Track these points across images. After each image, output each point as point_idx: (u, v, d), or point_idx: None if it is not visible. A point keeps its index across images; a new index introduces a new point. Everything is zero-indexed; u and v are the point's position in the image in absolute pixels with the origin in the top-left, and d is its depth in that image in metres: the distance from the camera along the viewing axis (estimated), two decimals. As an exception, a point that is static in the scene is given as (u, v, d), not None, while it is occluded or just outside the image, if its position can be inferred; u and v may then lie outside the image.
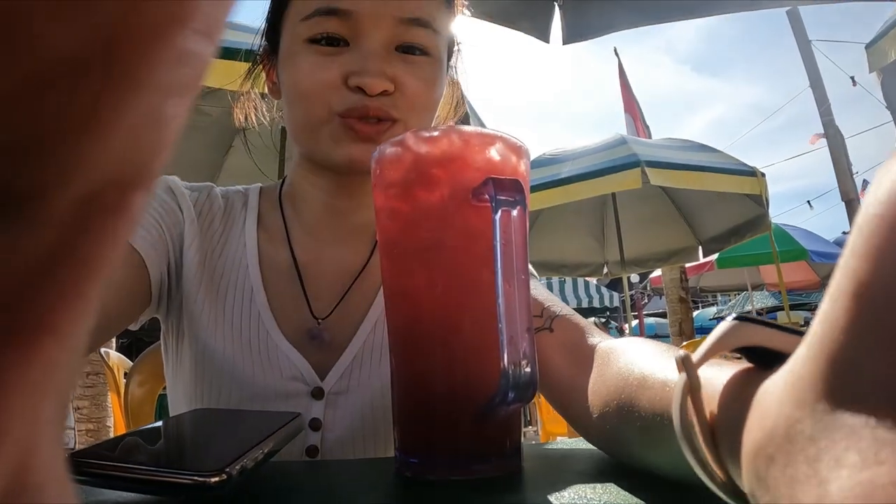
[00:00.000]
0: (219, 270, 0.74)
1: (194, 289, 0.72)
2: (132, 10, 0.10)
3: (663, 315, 10.38)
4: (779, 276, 5.82)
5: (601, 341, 0.59)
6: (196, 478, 0.37)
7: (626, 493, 0.42)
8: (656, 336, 11.25)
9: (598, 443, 0.55)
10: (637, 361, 0.47)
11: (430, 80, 0.71)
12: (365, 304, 0.76)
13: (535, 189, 4.29)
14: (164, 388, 0.81)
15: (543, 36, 2.70)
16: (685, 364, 0.31)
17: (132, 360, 1.75)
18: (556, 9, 2.65)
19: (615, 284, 11.93)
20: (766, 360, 0.29)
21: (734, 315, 0.31)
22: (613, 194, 5.05)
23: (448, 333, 0.47)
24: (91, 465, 0.38)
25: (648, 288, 13.03)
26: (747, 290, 11.78)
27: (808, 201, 13.36)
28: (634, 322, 7.74)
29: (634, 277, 9.14)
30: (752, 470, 0.24)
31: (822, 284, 11.35)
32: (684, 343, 4.11)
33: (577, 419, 0.57)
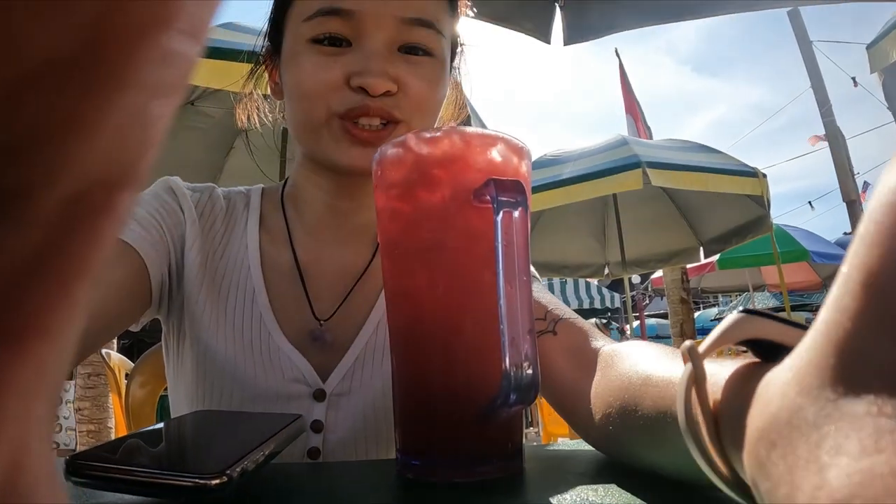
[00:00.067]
0: (220, 271, 0.74)
1: (196, 290, 0.72)
2: (115, 10, 0.10)
3: (664, 316, 10.38)
4: (780, 277, 5.82)
5: (605, 345, 0.59)
6: (197, 480, 0.37)
7: (629, 495, 0.42)
8: (657, 337, 11.25)
9: (601, 445, 0.55)
10: (641, 363, 0.47)
11: (433, 80, 0.71)
12: (367, 305, 0.76)
13: (536, 190, 4.29)
14: (166, 389, 0.81)
15: (544, 37, 2.70)
16: (691, 354, 0.31)
17: (133, 361, 1.75)
18: (557, 10, 2.65)
19: (616, 285, 11.93)
20: (771, 354, 0.29)
21: (741, 308, 0.32)
22: (615, 195, 5.05)
23: (449, 335, 0.47)
24: (91, 467, 0.38)
25: (650, 289, 13.02)
26: (748, 290, 11.78)
27: (810, 202, 13.36)
28: (636, 323, 7.74)
29: (636, 278, 9.12)
30: (753, 456, 0.24)
31: (823, 285, 11.35)
32: (680, 351, 4.10)
33: (580, 422, 0.57)
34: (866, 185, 10.76)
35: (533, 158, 0.53)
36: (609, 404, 0.49)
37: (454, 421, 0.46)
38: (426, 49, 0.70)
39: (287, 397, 0.69)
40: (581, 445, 0.61)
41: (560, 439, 3.64)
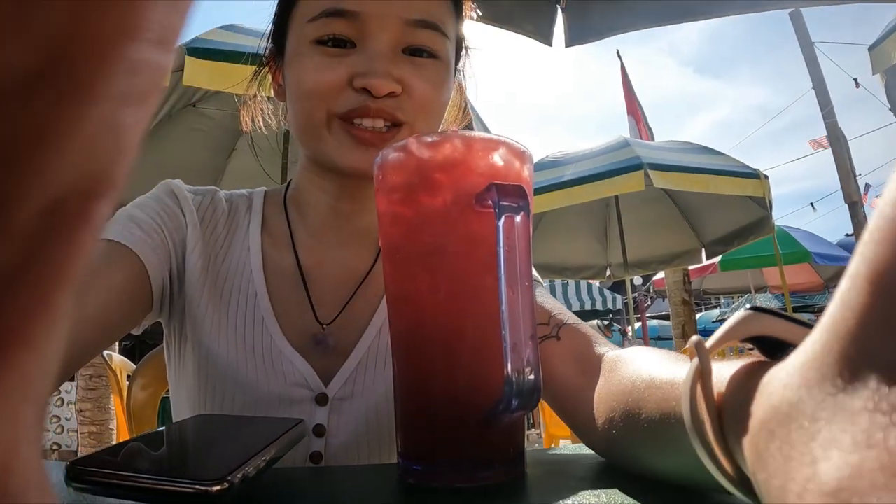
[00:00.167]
0: (222, 275, 0.74)
1: (197, 293, 0.72)
2: (81, 23, 0.10)
3: (666, 317, 10.37)
4: (782, 279, 5.82)
5: (608, 351, 0.59)
6: (198, 486, 0.36)
7: (631, 500, 0.42)
8: (659, 338, 11.24)
9: (604, 450, 0.55)
10: (645, 367, 0.47)
11: (437, 82, 0.70)
12: (370, 308, 0.76)
13: (537, 192, 4.29)
14: (167, 391, 0.80)
15: (546, 39, 2.70)
16: (698, 349, 0.32)
17: (135, 363, 1.75)
18: (559, 11, 2.65)
19: (618, 287, 11.92)
20: (777, 352, 0.29)
21: (748, 306, 0.32)
22: (616, 197, 5.05)
23: (451, 339, 0.47)
24: (92, 473, 0.38)
25: (651, 290, 13.01)
26: (750, 292, 11.77)
27: (812, 203, 13.31)
28: (637, 324, 7.72)
29: (637, 280, 9.12)
30: (753, 447, 0.24)
31: (825, 287, 11.33)
32: (687, 346, 4.10)
33: (583, 427, 0.57)
34: (868, 186, 10.74)
35: (534, 161, 0.53)
36: (612, 408, 0.49)
37: (456, 426, 0.46)
38: (431, 51, 0.70)
39: (289, 401, 0.69)
40: (583, 450, 0.61)
41: (562, 441, 3.63)
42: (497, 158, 0.48)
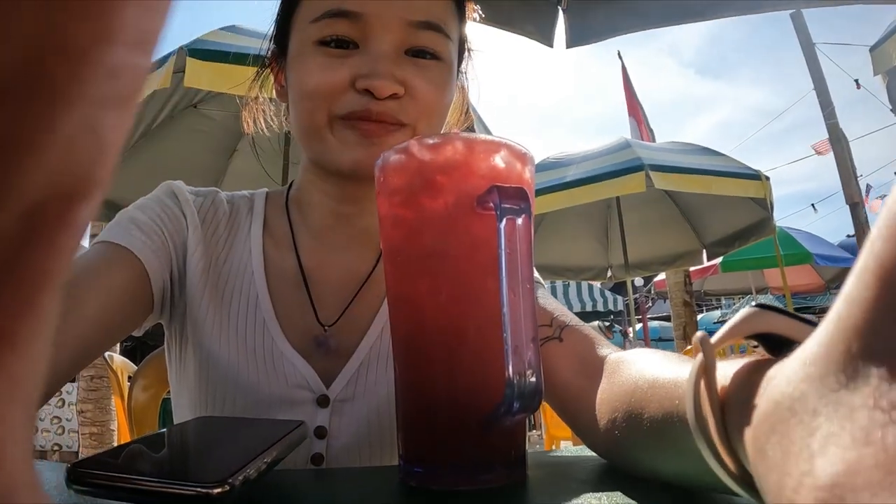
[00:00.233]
0: (223, 277, 0.74)
1: (198, 295, 0.72)
2: (55, 29, 0.10)
3: (667, 319, 10.36)
4: (783, 280, 5.82)
5: (611, 353, 0.59)
6: (199, 489, 0.36)
7: (633, 502, 0.42)
8: (660, 339, 11.24)
9: (606, 452, 0.55)
10: (648, 368, 0.47)
11: (440, 83, 0.70)
12: (371, 310, 0.76)
13: (539, 193, 4.28)
14: (169, 392, 0.80)
15: (547, 40, 2.70)
16: (703, 344, 0.32)
17: (136, 364, 1.75)
18: (560, 13, 2.65)
19: (619, 288, 11.92)
20: (781, 350, 0.29)
21: (753, 303, 0.32)
22: (617, 198, 5.05)
23: (452, 342, 0.47)
24: (92, 475, 0.38)
25: (652, 291, 13.01)
26: (752, 293, 11.76)
27: (813, 204, 13.30)
28: (638, 326, 7.72)
29: (638, 281, 9.13)
30: (754, 440, 0.24)
31: (826, 288, 11.33)
32: (688, 347, 4.10)
33: (585, 428, 0.57)
34: (869, 187, 10.73)
35: (535, 162, 0.53)
36: (615, 409, 0.49)
37: (457, 428, 0.46)
38: (433, 52, 0.69)
39: (290, 403, 0.68)
40: (585, 452, 0.61)
41: (563, 443, 3.63)
42: (498, 160, 0.48)
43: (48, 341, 0.12)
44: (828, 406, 0.19)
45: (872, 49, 4.01)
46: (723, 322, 0.33)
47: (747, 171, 4.61)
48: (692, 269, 6.64)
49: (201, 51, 2.73)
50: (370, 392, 0.71)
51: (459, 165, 0.47)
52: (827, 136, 9.35)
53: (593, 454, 0.58)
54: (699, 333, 0.32)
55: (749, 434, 0.25)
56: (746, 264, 9.24)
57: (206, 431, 0.54)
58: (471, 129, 0.87)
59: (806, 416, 0.20)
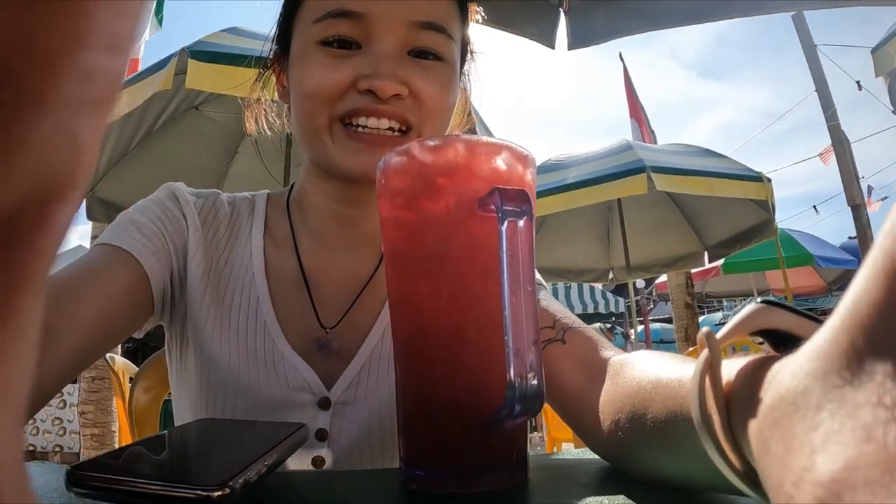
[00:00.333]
0: (224, 279, 0.74)
1: (199, 297, 0.72)
2: (27, 33, 0.10)
3: (669, 321, 10.36)
4: (785, 282, 5.81)
5: (614, 355, 0.59)
6: (199, 492, 0.36)
7: (636, 507, 0.42)
8: (661, 341, 11.22)
9: (609, 453, 0.54)
10: (651, 369, 0.47)
11: (444, 84, 0.70)
12: (372, 312, 0.75)
13: (540, 195, 4.28)
14: (170, 394, 0.80)
15: (548, 42, 2.69)
16: (708, 340, 0.32)
17: (137, 365, 1.75)
18: (562, 14, 2.65)
19: (621, 290, 11.92)
20: (787, 347, 0.29)
21: (760, 299, 0.32)
22: (619, 200, 5.04)
23: (454, 345, 0.47)
24: (93, 477, 0.38)
25: (654, 293, 13.00)
26: (753, 295, 11.75)
27: (814, 206, 13.27)
28: (640, 327, 7.72)
29: (640, 283, 9.12)
30: (758, 435, 0.24)
31: (828, 289, 11.32)
32: (690, 349, 4.10)
33: (588, 430, 0.56)
34: (871, 189, 10.71)
35: (537, 164, 0.53)
36: (618, 410, 0.49)
37: (458, 431, 0.46)
38: (436, 53, 0.69)
39: (291, 406, 0.68)
40: (587, 454, 0.60)
41: (564, 445, 3.63)
42: (500, 163, 0.47)
43: (32, 343, 0.12)
44: (832, 402, 0.19)
45: (874, 51, 4.01)
46: (724, 324, 0.33)
47: (749, 172, 4.61)
48: (694, 270, 6.64)
49: (203, 52, 2.73)
50: (371, 394, 0.70)
51: (461, 168, 0.46)
52: (829, 140, 9.34)
53: (595, 456, 0.58)
54: (704, 329, 0.32)
55: (753, 429, 0.25)
56: (748, 266, 9.25)
57: (206, 434, 0.53)
58: (472, 131, 0.87)
59: (809, 412, 0.20)
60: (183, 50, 2.77)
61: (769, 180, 4.61)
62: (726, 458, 0.30)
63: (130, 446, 0.46)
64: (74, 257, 0.66)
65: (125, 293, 0.65)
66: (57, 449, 5.61)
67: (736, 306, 14.36)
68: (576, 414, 0.60)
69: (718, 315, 14.77)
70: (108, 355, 2.46)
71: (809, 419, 0.20)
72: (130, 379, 2.30)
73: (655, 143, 8.11)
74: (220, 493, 0.36)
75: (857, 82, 9.62)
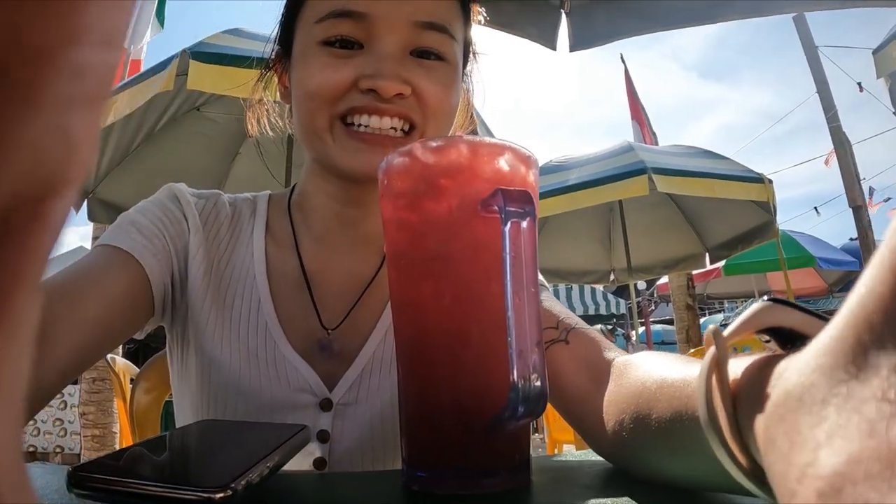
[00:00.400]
0: (225, 280, 0.73)
1: (200, 298, 0.72)
2: (16, 32, 0.10)
3: (670, 322, 10.36)
4: (786, 283, 5.80)
5: (618, 356, 0.59)
6: (201, 494, 0.36)
7: (640, 509, 0.42)
8: (662, 343, 11.22)
9: (613, 454, 0.54)
10: (655, 370, 0.46)
11: (447, 84, 0.70)
12: (374, 314, 0.75)
13: (542, 196, 4.27)
14: (171, 394, 0.80)
15: (550, 43, 2.69)
16: (715, 337, 0.32)
17: (139, 366, 1.75)
18: (563, 16, 2.65)
19: (622, 291, 11.91)
20: (793, 345, 0.29)
21: (766, 297, 0.32)
22: (620, 201, 5.04)
23: (456, 346, 0.46)
24: (94, 479, 0.38)
25: (655, 295, 13.00)
26: (755, 296, 11.73)
27: (816, 208, 13.27)
28: (641, 329, 7.72)
29: (641, 284, 9.13)
30: (764, 430, 0.24)
31: (829, 291, 11.31)
32: (692, 350, 4.09)
33: (592, 431, 0.56)
34: (872, 190, 10.70)
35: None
36: (623, 410, 0.48)
37: (461, 433, 0.46)
38: (439, 53, 0.69)
39: (293, 407, 0.68)
40: (590, 456, 0.60)
41: (565, 446, 3.63)
42: (502, 164, 0.47)
43: (28, 342, 0.12)
44: (837, 397, 0.19)
45: (875, 52, 4.01)
46: (726, 325, 0.34)
47: (750, 174, 4.60)
48: (695, 272, 6.64)
49: (204, 53, 2.73)
50: (373, 396, 0.70)
51: (463, 169, 0.46)
52: (831, 141, 9.33)
53: (598, 458, 0.58)
54: (711, 327, 0.32)
55: (760, 425, 0.25)
56: (749, 268, 9.24)
57: (208, 435, 0.53)
58: (474, 132, 0.86)
59: (815, 407, 0.20)
60: (184, 51, 2.77)
61: (770, 182, 4.61)
62: (733, 456, 0.30)
63: (132, 447, 0.46)
64: (75, 258, 0.66)
65: (125, 294, 0.64)
66: (58, 450, 5.61)
67: (737, 308, 14.36)
68: (579, 415, 0.59)
69: (720, 317, 14.76)
70: (109, 356, 2.45)
71: (815, 414, 0.20)
72: (131, 380, 2.30)
73: (657, 144, 8.11)
74: (222, 494, 0.36)
75: (859, 84, 9.62)
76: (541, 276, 0.67)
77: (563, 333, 0.64)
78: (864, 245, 8.20)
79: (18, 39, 0.10)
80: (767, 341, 0.32)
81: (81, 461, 0.42)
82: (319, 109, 0.67)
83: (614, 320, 13.13)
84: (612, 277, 6.31)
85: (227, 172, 4.05)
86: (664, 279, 8.20)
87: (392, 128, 0.67)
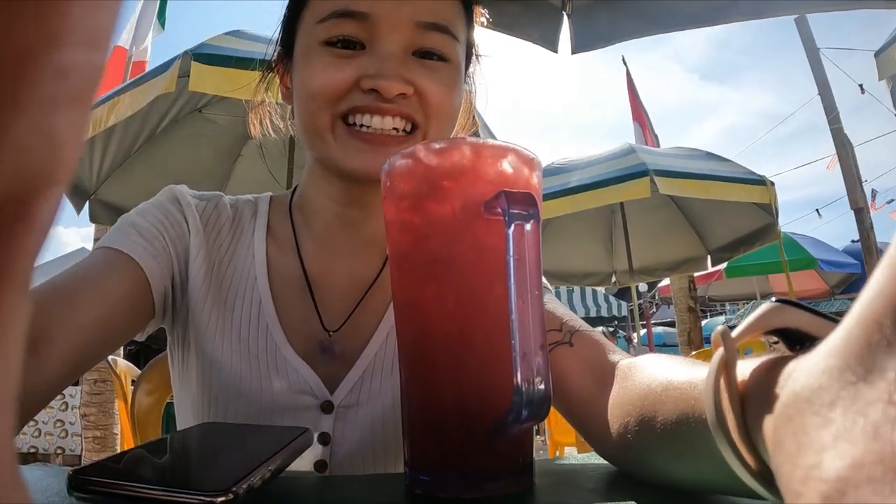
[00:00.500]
0: (226, 282, 0.73)
1: (200, 300, 0.71)
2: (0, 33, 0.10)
3: (672, 324, 10.35)
4: (788, 285, 5.79)
5: (622, 359, 0.58)
6: (202, 497, 0.36)
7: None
8: (664, 345, 11.22)
9: (617, 457, 0.54)
10: (661, 371, 0.46)
11: (450, 85, 0.69)
12: (376, 316, 0.75)
13: (543, 198, 4.27)
14: (172, 396, 0.80)
15: (552, 45, 2.69)
16: (724, 338, 0.32)
17: (140, 368, 1.75)
18: (565, 18, 2.65)
19: (623, 293, 11.90)
20: (802, 346, 0.29)
21: (775, 298, 0.32)
22: (622, 203, 5.04)
23: (460, 348, 0.46)
24: (94, 482, 0.38)
25: (657, 297, 12.99)
26: (756, 299, 11.73)
27: (817, 210, 13.27)
28: (643, 331, 7.71)
29: (643, 287, 9.11)
30: (773, 432, 0.24)
31: (831, 293, 11.30)
32: (693, 353, 4.09)
33: (596, 434, 0.56)
34: (875, 193, 10.69)
35: (543, 168, 0.53)
36: (628, 413, 0.48)
37: (464, 436, 0.46)
38: (441, 54, 0.69)
39: (294, 409, 0.68)
40: (593, 459, 0.60)
41: (567, 449, 3.62)
42: (506, 166, 0.47)
43: (18, 341, 0.12)
44: (844, 399, 0.19)
45: (877, 54, 4.00)
46: (733, 328, 0.33)
47: (752, 176, 4.60)
48: (697, 274, 6.63)
49: (206, 55, 2.74)
50: (374, 398, 0.70)
51: (467, 170, 0.46)
52: (833, 143, 9.32)
53: (602, 461, 0.57)
54: (720, 327, 0.32)
55: (768, 426, 0.25)
56: (751, 270, 9.23)
57: (209, 438, 0.53)
58: (476, 134, 0.86)
59: (823, 408, 0.20)
60: (186, 52, 2.77)
61: (772, 184, 4.61)
62: (741, 457, 0.30)
63: (133, 450, 0.46)
64: (77, 260, 0.66)
65: (125, 297, 0.64)
66: (59, 451, 5.61)
67: (739, 310, 14.35)
68: (583, 418, 0.59)
69: (721, 319, 14.77)
70: (110, 357, 2.45)
71: (822, 416, 0.20)
72: (133, 381, 2.30)
73: (658, 146, 8.11)
74: (223, 498, 0.36)
75: (860, 86, 9.61)
76: (543, 279, 0.67)
77: (567, 336, 0.63)
78: (865, 247, 8.18)
79: (2, 39, 0.10)
80: (776, 342, 0.32)
81: (82, 463, 0.41)
82: (321, 109, 0.67)
83: (616, 323, 13.12)
84: (613, 279, 6.30)
85: (229, 174, 4.06)
86: (666, 281, 8.19)
87: (394, 128, 0.67)
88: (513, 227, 0.41)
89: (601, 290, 12.03)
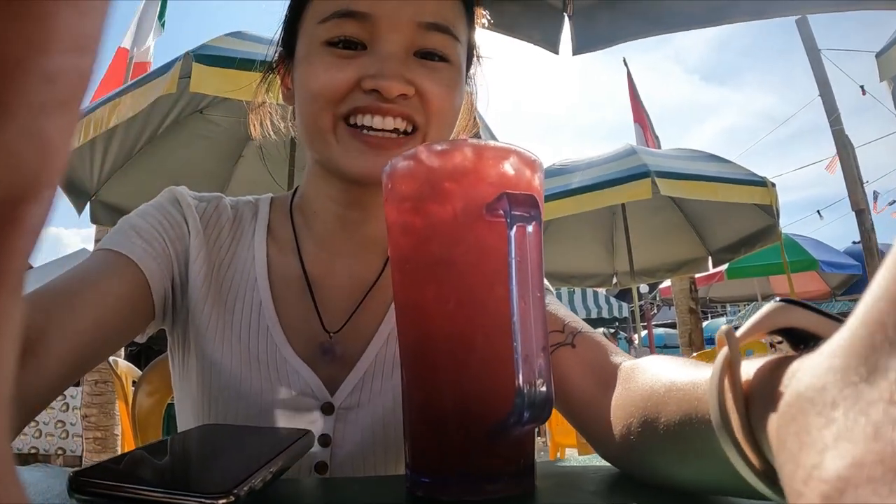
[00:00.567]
0: (227, 283, 0.73)
1: (201, 302, 0.71)
2: None
3: (673, 326, 10.35)
4: (789, 287, 5.78)
5: (624, 360, 0.58)
6: (203, 500, 0.36)
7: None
8: (665, 347, 11.22)
9: (619, 459, 0.54)
10: (664, 372, 0.46)
11: (450, 86, 0.69)
12: (377, 317, 0.75)
13: (545, 199, 4.28)
14: (173, 397, 0.80)
15: (553, 47, 2.69)
16: (728, 338, 0.32)
17: (141, 369, 1.75)
18: (566, 19, 2.65)
19: (624, 295, 11.90)
20: (806, 346, 0.29)
21: (779, 298, 0.32)
22: (623, 205, 5.04)
23: (461, 350, 0.46)
24: (95, 484, 0.38)
25: (658, 298, 12.99)
26: (757, 300, 11.72)
27: (818, 211, 13.28)
28: (644, 333, 7.70)
29: (644, 288, 9.10)
30: (777, 431, 0.24)
31: (832, 294, 11.29)
32: (694, 354, 4.09)
33: (598, 436, 0.56)
34: (877, 194, 10.69)
35: (544, 169, 0.52)
36: (630, 414, 0.48)
37: (466, 438, 0.46)
38: (442, 55, 0.69)
39: (294, 410, 0.68)
40: (594, 461, 0.60)
41: (568, 450, 3.62)
42: (508, 167, 0.47)
43: (11, 344, 0.12)
44: (847, 399, 0.19)
45: (879, 55, 4.00)
46: (737, 328, 0.33)
47: (753, 177, 4.60)
48: (698, 275, 6.64)
49: (207, 56, 2.74)
50: (375, 400, 0.70)
51: (468, 172, 0.46)
52: (834, 144, 9.31)
53: (603, 463, 0.57)
54: (724, 327, 0.32)
55: (772, 425, 0.25)
56: (752, 271, 9.23)
57: (209, 440, 0.53)
58: (477, 135, 0.86)
59: (825, 408, 0.20)
60: (187, 53, 2.77)
61: (773, 185, 4.61)
62: (745, 457, 0.29)
63: (133, 452, 0.46)
64: (77, 261, 0.66)
65: (125, 298, 0.64)
66: (59, 452, 5.61)
67: (740, 311, 14.34)
68: (585, 419, 0.59)
69: (722, 320, 14.74)
70: (111, 359, 2.45)
71: (824, 416, 0.20)
72: (134, 382, 2.30)
73: (659, 147, 8.11)
74: (224, 500, 0.36)
75: (861, 87, 9.61)
76: (545, 280, 0.67)
77: (569, 337, 0.63)
78: (866, 248, 8.17)
79: None
80: (780, 342, 0.32)
81: (83, 463, 0.41)
82: (323, 110, 0.67)
83: (616, 324, 13.13)
84: (614, 281, 6.30)
85: (230, 175, 4.06)
86: (667, 283, 8.20)
87: (395, 128, 0.67)
88: (515, 228, 0.41)
89: (602, 291, 12.03)
